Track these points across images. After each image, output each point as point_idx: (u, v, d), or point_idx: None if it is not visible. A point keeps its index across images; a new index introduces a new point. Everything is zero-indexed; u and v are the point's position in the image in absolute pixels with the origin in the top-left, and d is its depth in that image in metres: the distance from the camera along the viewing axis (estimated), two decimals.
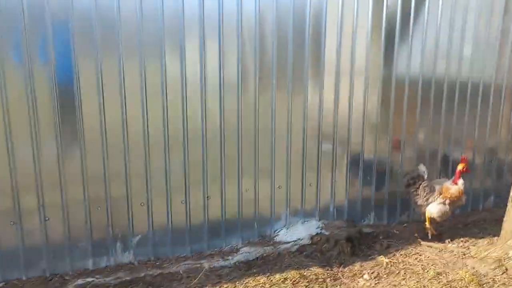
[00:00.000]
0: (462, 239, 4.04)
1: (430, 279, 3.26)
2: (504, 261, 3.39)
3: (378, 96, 4.24)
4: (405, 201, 4.56)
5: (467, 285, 3.19)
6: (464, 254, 3.68)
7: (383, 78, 4.21)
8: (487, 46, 4.63)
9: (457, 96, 4.60)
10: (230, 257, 3.57)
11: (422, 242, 3.92)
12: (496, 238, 3.97)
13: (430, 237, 4.06)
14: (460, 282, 3.23)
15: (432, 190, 4.00)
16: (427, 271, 3.40)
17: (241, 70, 3.63)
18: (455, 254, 3.69)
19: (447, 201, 3.95)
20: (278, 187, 3.94)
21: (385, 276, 3.35)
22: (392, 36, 4.15)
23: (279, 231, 3.97)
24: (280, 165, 3.94)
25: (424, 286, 3.16)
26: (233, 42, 3.56)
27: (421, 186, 4.02)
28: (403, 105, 4.37)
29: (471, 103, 4.70)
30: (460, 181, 3.98)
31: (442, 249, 3.79)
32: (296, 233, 3.88)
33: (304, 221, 4.06)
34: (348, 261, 3.57)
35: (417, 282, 3.22)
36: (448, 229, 4.34)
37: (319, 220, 4.12)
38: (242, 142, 3.74)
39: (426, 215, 4.01)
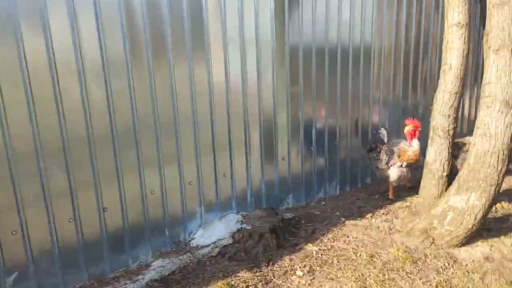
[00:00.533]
0: (382, 211, 3.93)
1: (365, 265, 3.03)
2: (430, 232, 3.31)
3: (285, 69, 3.84)
4: (320, 177, 4.34)
5: (403, 265, 3.03)
6: (390, 229, 3.55)
7: (290, 47, 3.83)
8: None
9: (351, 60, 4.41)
10: (140, 277, 2.92)
11: (346, 222, 3.71)
12: (414, 205, 3.93)
13: (408, 187, 4.22)
14: (395, 263, 3.05)
15: (392, 154, 3.97)
16: (360, 255, 3.17)
17: (129, 45, 2.90)
18: (381, 230, 3.54)
19: (404, 164, 3.95)
20: (189, 183, 3.35)
21: (318, 268, 3.03)
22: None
23: (195, 233, 3.41)
24: (188, 156, 3.35)
25: (362, 275, 2.91)
26: (115, 11, 2.80)
27: (381, 150, 3.98)
28: (311, 76, 4.05)
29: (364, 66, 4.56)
30: (415, 142, 3.94)
31: (367, 227, 3.61)
32: (215, 232, 3.36)
33: (222, 216, 3.56)
34: (276, 257, 3.18)
35: (354, 270, 2.96)
36: (365, 201, 4.22)
37: (238, 212, 3.65)
38: (139, 133, 3.05)
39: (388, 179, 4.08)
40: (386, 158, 3.98)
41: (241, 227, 3.37)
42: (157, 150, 3.15)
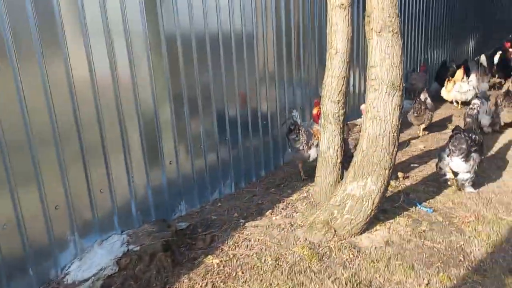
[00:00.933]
0: (281, 205, 3.73)
1: (272, 272, 2.77)
2: (332, 223, 3.18)
3: (163, 60, 3.38)
4: (214, 176, 3.98)
5: (310, 264, 2.84)
6: (292, 225, 3.35)
7: (166, 35, 3.36)
8: None
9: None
10: None
11: (246, 223, 3.42)
12: (311, 195, 3.81)
13: (303, 178, 4.27)
14: (302, 263, 2.85)
15: (310, 134, 4.06)
16: (264, 260, 2.90)
17: None
18: (283, 228, 3.32)
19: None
20: (55, 207, 2.72)
21: (222, 285, 2.68)
22: None
23: (69, 267, 2.78)
24: (52, 173, 2.71)
25: (270, 285, 2.64)
26: None
27: (300, 131, 4.00)
28: (194, 66, 3.64)
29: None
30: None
31: (268, 226, 3.36)
32: (96, 261, 2.78)
33: (103, 240, 2.99)
34: (172, 278, 2.76)
35: (261, 281, 2.68)
36: (262, 196, 3.99)
37: (122, 231, 3.11)
38: None
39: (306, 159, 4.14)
40: (305, 138, 4.02)
41: (128, 250, 2.86)
42: (5, 171, 2.46)
